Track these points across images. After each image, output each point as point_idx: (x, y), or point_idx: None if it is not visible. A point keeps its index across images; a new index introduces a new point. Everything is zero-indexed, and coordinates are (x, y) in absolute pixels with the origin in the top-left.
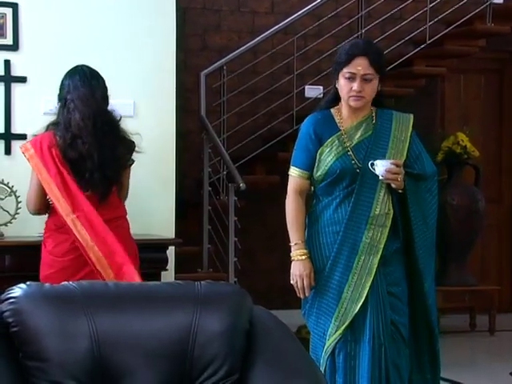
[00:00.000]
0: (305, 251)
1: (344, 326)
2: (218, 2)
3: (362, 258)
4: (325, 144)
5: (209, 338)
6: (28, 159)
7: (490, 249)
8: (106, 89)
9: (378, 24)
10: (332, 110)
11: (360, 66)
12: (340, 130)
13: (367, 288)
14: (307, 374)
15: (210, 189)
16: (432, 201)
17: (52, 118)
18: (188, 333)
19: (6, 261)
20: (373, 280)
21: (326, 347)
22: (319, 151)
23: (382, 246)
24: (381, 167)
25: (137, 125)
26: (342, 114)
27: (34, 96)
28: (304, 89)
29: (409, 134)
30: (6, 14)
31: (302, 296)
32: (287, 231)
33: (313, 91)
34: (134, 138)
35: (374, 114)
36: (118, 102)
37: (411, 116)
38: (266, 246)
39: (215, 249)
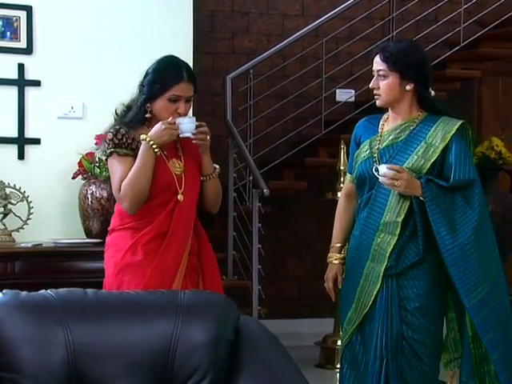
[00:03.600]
0: (337, 255)
1: (351, 331)
2: (246, 5)
3: (372, 264)
4: (360, 147)
5: (190, 348)
6: None
7: None
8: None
9: (411, 26)
10: (386, 114)
11: (375, 62)
12: (377, 133)
13: (373, 296)
14: None
15: (235, 195)
16: (468, 211)
17: (65, 122)
18: (169, 343)
19: (15, 267)
20: (380, 289)
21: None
22: (356, 154)
23: (388, 254)
24: (380, 172)
25: None
26: (388, 117)
27: (47, 100)
28: (335, 92)
29: (447, 141)
30: (19, 17)
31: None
32: (316, 237)
33: (344, 95)
34: None
35: (418, 119)
36: None
37: (458, 122)
38: (295, 253)
39: (240, 256)
